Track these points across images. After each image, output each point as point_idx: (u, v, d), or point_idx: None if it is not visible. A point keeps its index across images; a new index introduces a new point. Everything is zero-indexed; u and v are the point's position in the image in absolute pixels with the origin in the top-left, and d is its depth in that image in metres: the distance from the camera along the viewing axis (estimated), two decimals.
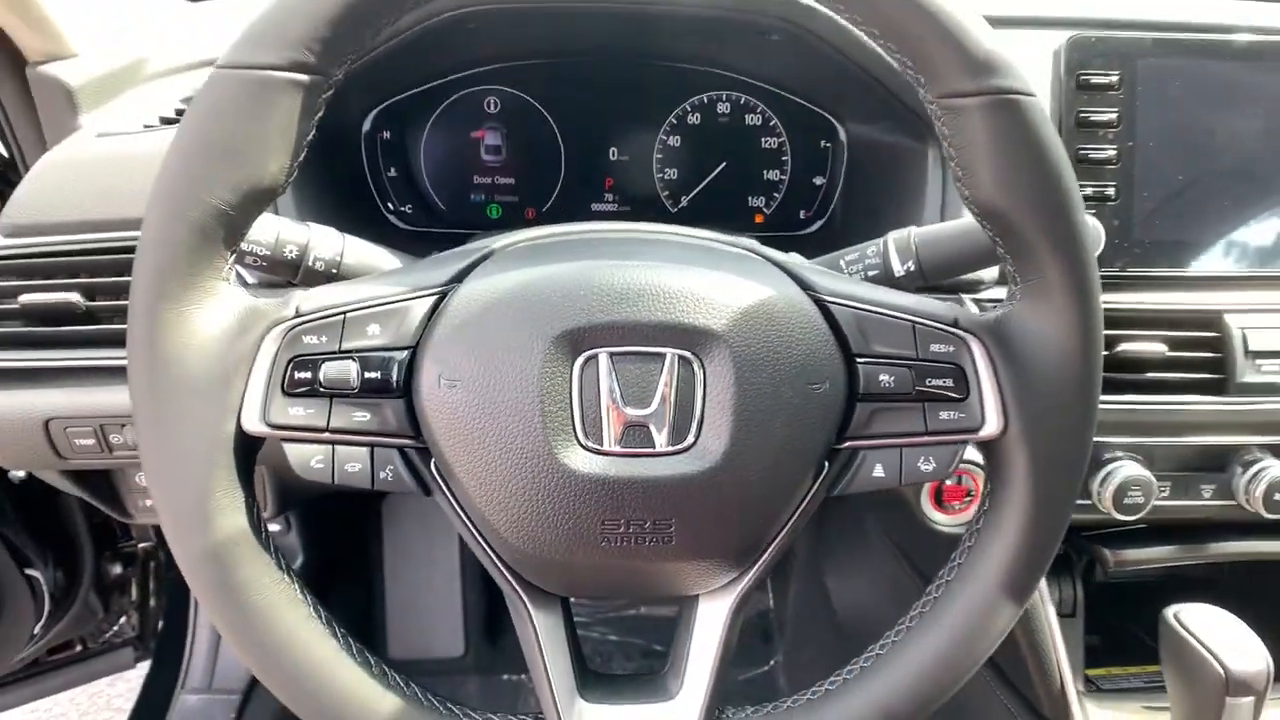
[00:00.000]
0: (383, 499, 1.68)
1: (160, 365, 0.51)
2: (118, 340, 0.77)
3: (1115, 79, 0.79)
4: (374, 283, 0.57)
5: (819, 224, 1.03)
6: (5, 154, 1.14)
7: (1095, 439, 0.82)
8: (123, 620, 1.55)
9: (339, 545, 1.57)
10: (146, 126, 0.84)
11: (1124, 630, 1.05)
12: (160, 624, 1.57)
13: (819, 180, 1.02)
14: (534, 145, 1.01)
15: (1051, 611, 0.90)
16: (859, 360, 0.56)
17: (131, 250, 0.76)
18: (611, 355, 0.53)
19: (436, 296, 0.55)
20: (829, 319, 0.56)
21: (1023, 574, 0.57)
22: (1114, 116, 0.80)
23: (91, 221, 0.78)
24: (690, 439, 0.53)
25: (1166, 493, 0.85)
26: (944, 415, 0.56)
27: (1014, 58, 0.52)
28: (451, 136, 1.00)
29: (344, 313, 0.54)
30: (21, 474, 1.18)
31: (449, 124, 0.99)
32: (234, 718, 1.43)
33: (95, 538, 1.37)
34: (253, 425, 0.52)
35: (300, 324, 0.53)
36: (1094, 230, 0.78)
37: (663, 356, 0.53)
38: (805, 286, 0.57)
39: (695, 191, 1.02)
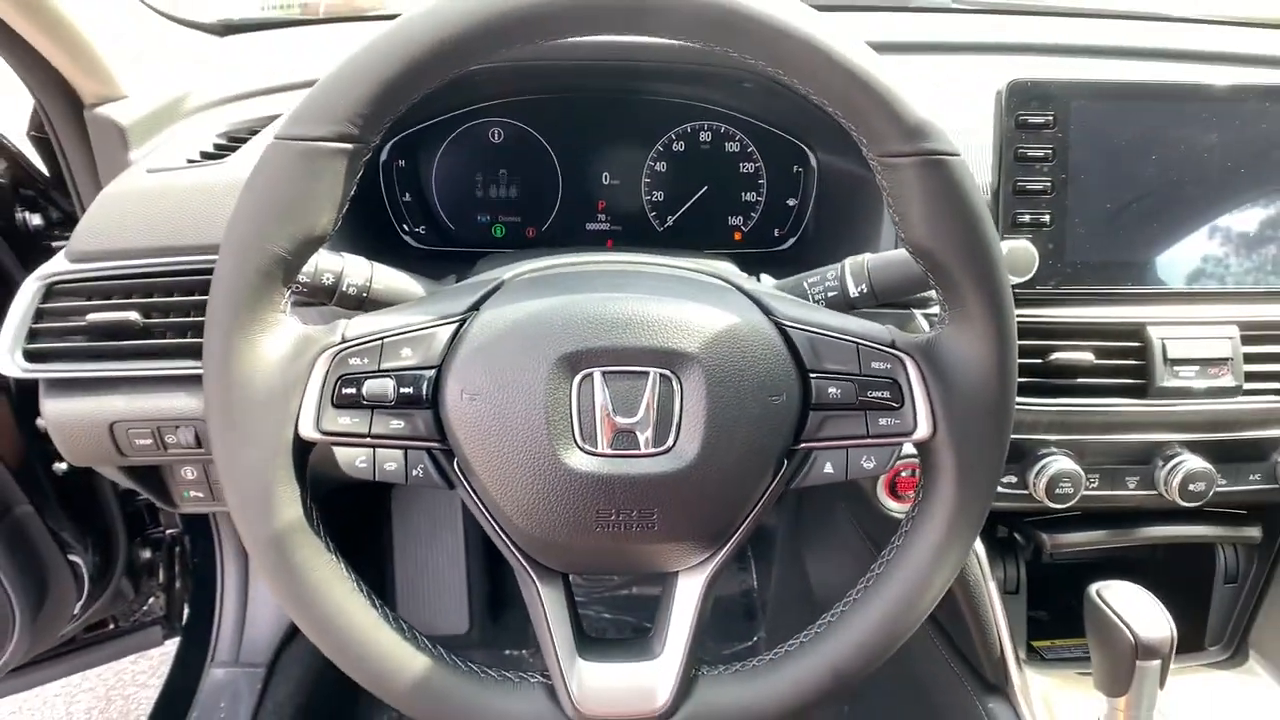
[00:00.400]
0: (391, 491, 1.79)
1: (232, 384, 0.60)
2: (171, 353, 0.86)
3: (1050, 118, 0.87)
4: (406, 312, 0.66)
5: (792, 241, 1.12)
6: (46, 172, 1.23)
7: (1032, 436, 0.93)
8: (151, 601, 1.63)
9: (352, 533, 1.67)
10: (190, 161, 0.92)
11: (1068, 607, 1.15)
12: (185, 604, 1.66)
13: (792, 202, 1.11)
14: (534, 171, 1.09)
15: (994, 589, 0.99)
16: (812, 375, 0.65)
17: (181, 273, 0.86)
18: (604, 373, 0.62)
19: (457, 324, 0.65)
20: (787, 341, 0.65)
21: (950, 554, 0.66)
22: (1049, 152, 0.87)
23: (146, 248, 0.86)
24: (670, 443, 0.62)
25: (1095, 484, 0.94)
26: (883, 421, 0.65)
27: (944, 122, 0.62)
28: (459, 164, 1.08)
29: (382, 338, 0.63)
30: (64, 466, 1.28)
31: (457, 153, 1.08)
32: (260, 688, 1.52)
33: (128, 525, 1.44)
34: (308, 432, 0.62)
35: (346, 348, 0.63)
36: (1028, 254, 0.87)
37: (647, 374, 0.62)
38: (768, 312, 0.66)
39: (680, 212, 1.10)
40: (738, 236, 1.12)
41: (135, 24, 1.01)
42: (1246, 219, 0.91)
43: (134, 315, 0.85)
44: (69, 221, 1.22)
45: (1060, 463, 0.91)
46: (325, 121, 0.58)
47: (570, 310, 0.64)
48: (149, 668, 2.16)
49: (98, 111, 0.96)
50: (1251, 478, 0.96)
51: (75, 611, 1.42)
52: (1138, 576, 0.89)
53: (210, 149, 0.96)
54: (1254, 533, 1.05)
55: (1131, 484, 0.95)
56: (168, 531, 1.55)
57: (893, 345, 0.66)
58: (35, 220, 1.20)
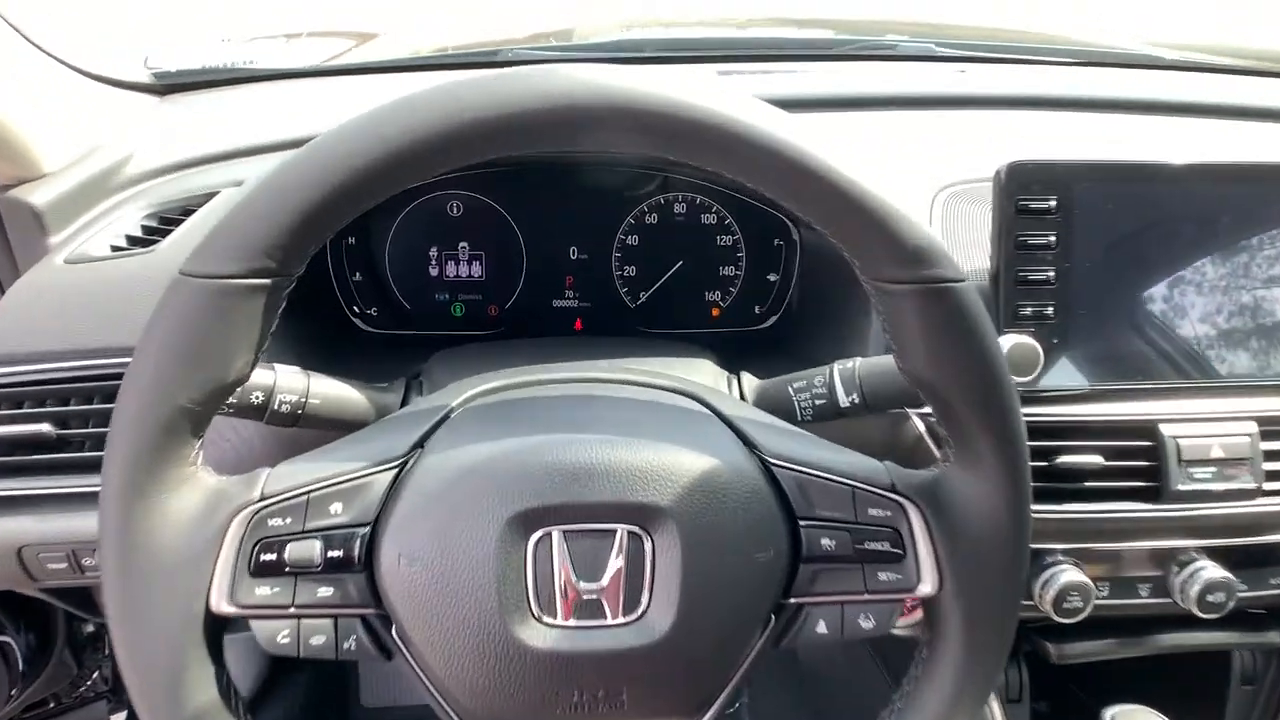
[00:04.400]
0: None
1: (130, 550, 0.52)
2: (88, 466, 0.79)
3: (1053, 204, 0.81)
4: (335, 455, 0.58)
5: (774, 319, 1.05)
6: None
7: (1038, 545, 0.85)
8: (95, 675, 1.55)
9: (319, 686, 1.57)
10: (114, 248, 0.84)
11: (1077, 710, 1.08)
12: None
13: (773, 277, 1.04)
14: (496, 245, 1.02)
15: (994, 702, 0.93)
16: (802, 524, 0.58)
17: (99, 378, 0.78)
18: (564, 532, 0.55)
19: (396, 469, 0.57)
20: (773, 483, 0.59)
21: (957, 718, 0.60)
22: (1052, 239, 0.81)
23: (61, 351, 0.78)
24: (640, 610, 0.55)
25: (1106, 593, 0.86)
26: (883, 576, 0.59)
27: (944, 244, 0.55)
28: (415, 239, 1.01)
29: (308, 493, 0.56)
30: None
31: (412, 227, 1.01)
32: None
33: None
34: (220, 606, 0.54)
35: (265, 507, 0.55)
36: (1033, 351, 0.80)
37: (613, 532, 0.55)
38: (752, 447, 0.60)
39: (653, 289, 1.04)
40: (715, 313, 1.05)
41: (56, 90, 0.92)
42: (1262, 306, 0.85)
43: (46, 426, 0.78)
44: None
45: (1069, 574, 0.84)
46: (237, 256, 0.51)
47: (524, 457, 0.56)
48: None
49: (10, 195, 0.86)
50: (1273, 582, 0.89)
51: (10, 695, 1.33)
52: (1146, 681, 0.83)
53: (138, 233, 0.87)
54: (1275, 638, 0.98)
55: (1144, 592, 0.88)
56: None
57: (893, 489, 0.59)
58: None
